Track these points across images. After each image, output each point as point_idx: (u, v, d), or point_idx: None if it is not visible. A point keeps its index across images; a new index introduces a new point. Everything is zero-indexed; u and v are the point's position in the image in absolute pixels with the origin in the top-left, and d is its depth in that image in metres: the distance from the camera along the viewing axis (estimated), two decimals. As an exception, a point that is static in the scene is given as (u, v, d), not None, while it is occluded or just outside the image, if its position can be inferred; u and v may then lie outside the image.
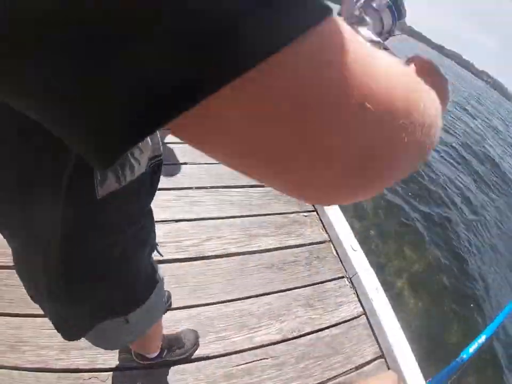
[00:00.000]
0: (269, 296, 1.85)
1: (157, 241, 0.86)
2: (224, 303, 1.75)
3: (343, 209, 2.43)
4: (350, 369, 1.68)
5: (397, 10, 0.57)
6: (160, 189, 0.68)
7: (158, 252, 0.91)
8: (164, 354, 1.41)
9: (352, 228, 2.33)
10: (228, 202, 2.27)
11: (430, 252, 4.61)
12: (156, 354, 1.38)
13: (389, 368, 1.73)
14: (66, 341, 0.76)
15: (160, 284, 0.87)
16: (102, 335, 0.83)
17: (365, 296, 1.96)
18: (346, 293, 2.02)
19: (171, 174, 2.27)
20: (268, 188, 2.38)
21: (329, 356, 1.69)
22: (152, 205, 0.71)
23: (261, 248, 2.07)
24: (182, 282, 1.75)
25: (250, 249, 2.04)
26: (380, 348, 1.81)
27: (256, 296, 1.83)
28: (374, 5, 0.57)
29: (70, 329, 0.74)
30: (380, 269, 3.62)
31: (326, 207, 2.34)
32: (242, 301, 1.79)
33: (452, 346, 3.30)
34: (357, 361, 1.72)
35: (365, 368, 1.71)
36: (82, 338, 0.76)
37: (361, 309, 1.96)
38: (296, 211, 2.40)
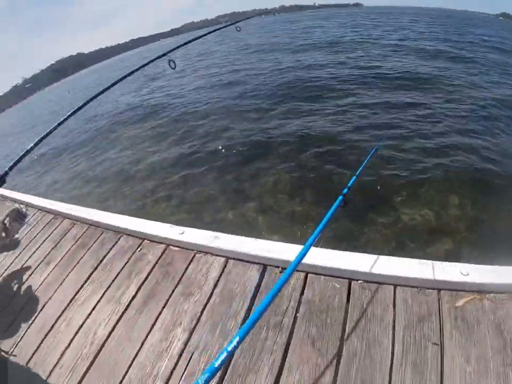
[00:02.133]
0: (159, 320, 2.20)
1: None
2: (138, 354, 2.04)
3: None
4: (251, 297, 2.07)
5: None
6: None
7: None
8: None
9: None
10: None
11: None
12: None
13: (281, 270, 2.19)
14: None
15: None
16: None
17: (218, 249, 2.41)
18: (205, 261, 2.45)
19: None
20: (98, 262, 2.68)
21: (229, 307, 2.08)
22: None
23: (129, 301, 2.40)
24: (106, 365, 2.02)
25: (123, 310, 2.34)
26: (259, 264, 2.27)
27: (151, 329, 2.16)
28: None
29: None
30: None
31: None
32: (145, 342, 2.11)
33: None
34: (251, 288, 2.14)
35: (261, 286, 2.12)
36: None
37: (223, 259, 2.41)
38: (132, 254, 2.77)
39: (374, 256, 1.97)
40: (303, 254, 1.27)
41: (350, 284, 1.95)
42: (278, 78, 11.53)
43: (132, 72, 2.21)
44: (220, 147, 6.98)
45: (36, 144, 1.33)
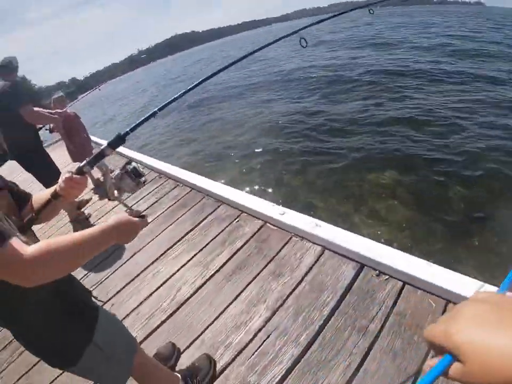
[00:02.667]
0: (244, 292, 2.17)
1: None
2: (216, 320, 2.06)
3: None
4: (342, 294, 1.95)
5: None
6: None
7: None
8: (193, 382, 1.68)
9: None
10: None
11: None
12: None
13: (378, 273, 2.03)
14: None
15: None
16: (91, 373, 1.20)
17: (317, 237, 2.30)
18: (301, 246, 2.36)
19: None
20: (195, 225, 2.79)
21: (317, 297, 1.98)
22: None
23: (218, 267, 2.42)
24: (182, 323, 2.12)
25: (210, 274, 2.39)
26: (356, 261, 2.12)
27: (234, 299, 2.15)
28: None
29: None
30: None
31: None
32: (226, 310, 2.10)
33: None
34: (344, 284, 2.01)
35: (355, 285, 1.99)
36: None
37: (319, 248, 2.30)
38: (229, 223, 2.81)
39: (480, 283, 1.73)
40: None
41: (446, 305, 1.73)
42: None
43: (261, 48, 2.18)
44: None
45: (160, 109, 1.35)
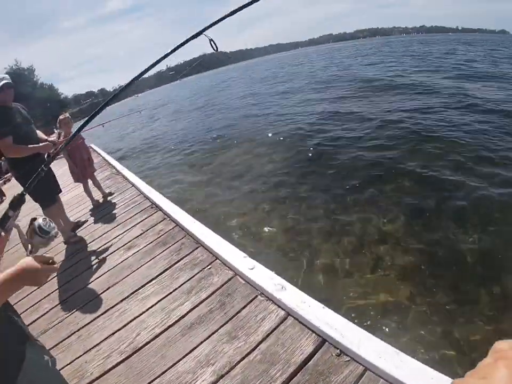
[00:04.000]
0: (196, 350, 2.05)
1: None
2: (163, 374, 1.96)
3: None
4: (293, 371, 1.78)
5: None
6: None
7: None
8: None
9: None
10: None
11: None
12: None
13: (339, 353, 1.83)
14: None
15: None
16: None
17: (281, 301, 2.16)
18: (264, 308, 2.21)
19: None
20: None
21: (266, 371, 1.82)
22: None
23: (178, 317, 2.32)
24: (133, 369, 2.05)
25: (170, 324, 2.29)
26: (319, 335, 1.93)
27: (185, 356, 2.03)
28: None
29: None
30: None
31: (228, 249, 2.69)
32: (175, 366, 1.99)
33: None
34: (298, 360, 1.83)
35: (310, 362, 1.81)
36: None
37: (283, 312, 2.13)
38: (201, 269, 2.72)
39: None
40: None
41: None
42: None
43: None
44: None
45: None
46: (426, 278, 3.40)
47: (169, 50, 1.68)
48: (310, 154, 7.36)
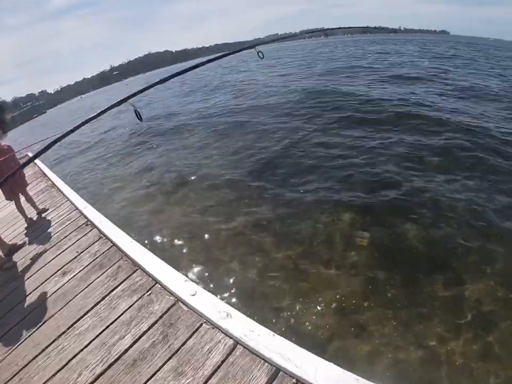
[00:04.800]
0: (139, 391, 1.93)
1: None
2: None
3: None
4: None
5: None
6: None
7: None
8: None
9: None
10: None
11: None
12: None
13: (295, 382, 1.74)
14: None
15: None
16: None
17: (227, 330, 2.08)
18: (211, 337, 2.11)
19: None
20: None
21: None
22: None
23: (120, 353, 2.17)
24: None
25: (111, 361, 2.14)
26: (272, 365, 1.85)
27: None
28: None
29: None
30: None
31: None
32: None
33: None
34: None
35: None
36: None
37: (231, 342, 2.04)
38: (140, 296, 2.56)
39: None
40: None
41: None
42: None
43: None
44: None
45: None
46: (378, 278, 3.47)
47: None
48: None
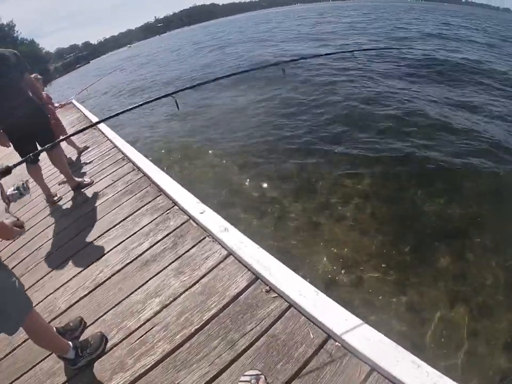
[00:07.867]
0: (147, 283, 2.34)
1: None
2: (119, 304, 2.27)
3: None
4: (226, 303, 2.04)
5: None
6: None
7: None
8: (82, 353, 1.92)
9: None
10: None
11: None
12: (71, 354, 1.90)
13: (268, 289, 2.05)
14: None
15: None
16: None
17: (223, 241, 2.42)
18: (210, 248, 2.48)
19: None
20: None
21: (204, 301, 2.09)
22: None
23: (137, 255, 2.62)
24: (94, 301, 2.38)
25: (128, 261, 2.59)
26: (253, 273, 2.18)
27: (138, 288, 2.33)
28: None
29: None
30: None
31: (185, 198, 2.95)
32: (129, 297, 2.29)
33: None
34: (232, 293, 2.09)
35: (242, 296, 2.07)
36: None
37: (225, 252, 2.40)
38: (160, 214, 2.99)
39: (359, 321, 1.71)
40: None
41: (326, 340, 1.70)
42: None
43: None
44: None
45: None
46: (387, 235, 3.54)
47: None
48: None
